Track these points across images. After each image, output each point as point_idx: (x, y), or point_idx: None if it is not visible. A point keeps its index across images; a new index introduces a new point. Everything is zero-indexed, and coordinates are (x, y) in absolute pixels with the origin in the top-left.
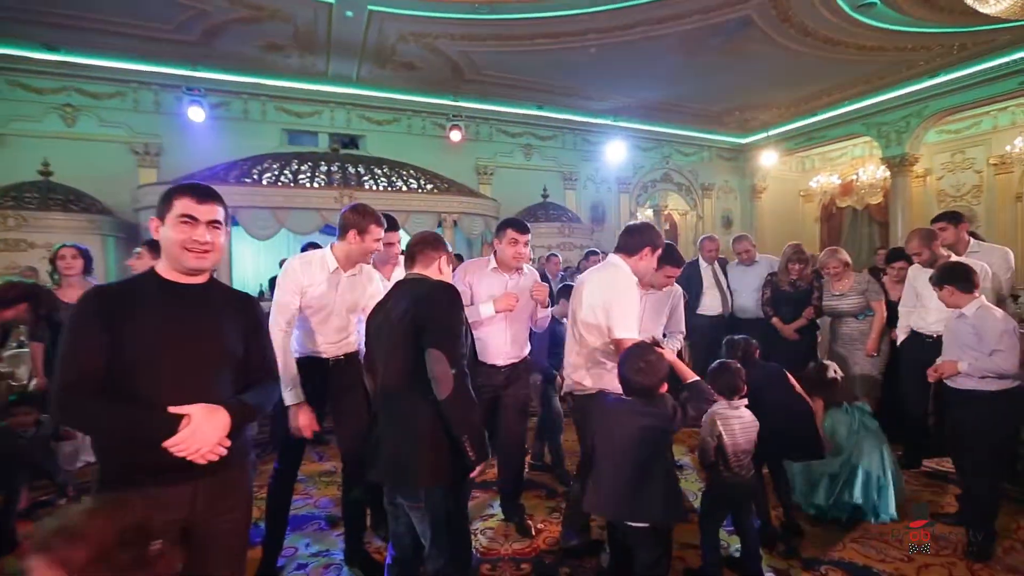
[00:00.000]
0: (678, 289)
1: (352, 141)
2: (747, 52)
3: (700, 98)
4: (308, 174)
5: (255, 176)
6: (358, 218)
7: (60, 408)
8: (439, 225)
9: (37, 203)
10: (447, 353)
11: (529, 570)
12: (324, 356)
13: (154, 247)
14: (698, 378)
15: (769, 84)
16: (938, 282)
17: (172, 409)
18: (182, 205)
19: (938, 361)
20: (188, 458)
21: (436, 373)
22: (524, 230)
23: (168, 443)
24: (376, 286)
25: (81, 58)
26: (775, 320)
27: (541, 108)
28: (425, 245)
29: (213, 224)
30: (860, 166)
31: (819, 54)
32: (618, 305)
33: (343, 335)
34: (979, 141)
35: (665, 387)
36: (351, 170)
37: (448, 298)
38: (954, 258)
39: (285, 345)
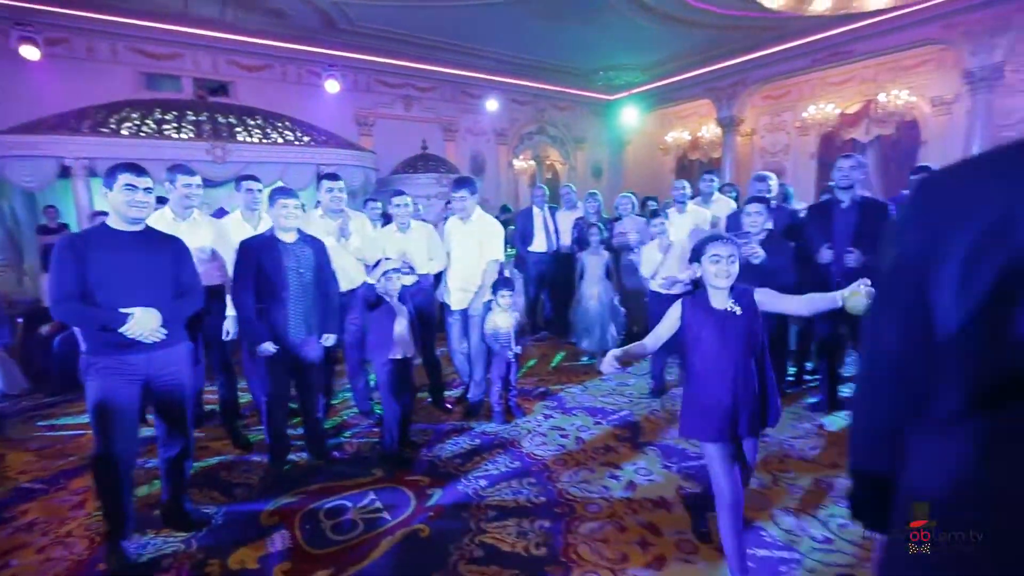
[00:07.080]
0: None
1: (221, 87)
2: (600, 22)
3: (568, 58)
4: (174, 124)
5: (112, 126)
6: None
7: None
8: (317, 178)
9: None
10: None
11: None
12: None
13: None
14: None
15: (624, 50)
16: None
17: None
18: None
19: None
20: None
21: None
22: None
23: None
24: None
25: None
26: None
27: (420, 61)
28: None
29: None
30: (704, 124)
31: (661, 27)
32: None
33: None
34: (788, 107)
35: None
36: (221, 120)
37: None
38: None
39: None
